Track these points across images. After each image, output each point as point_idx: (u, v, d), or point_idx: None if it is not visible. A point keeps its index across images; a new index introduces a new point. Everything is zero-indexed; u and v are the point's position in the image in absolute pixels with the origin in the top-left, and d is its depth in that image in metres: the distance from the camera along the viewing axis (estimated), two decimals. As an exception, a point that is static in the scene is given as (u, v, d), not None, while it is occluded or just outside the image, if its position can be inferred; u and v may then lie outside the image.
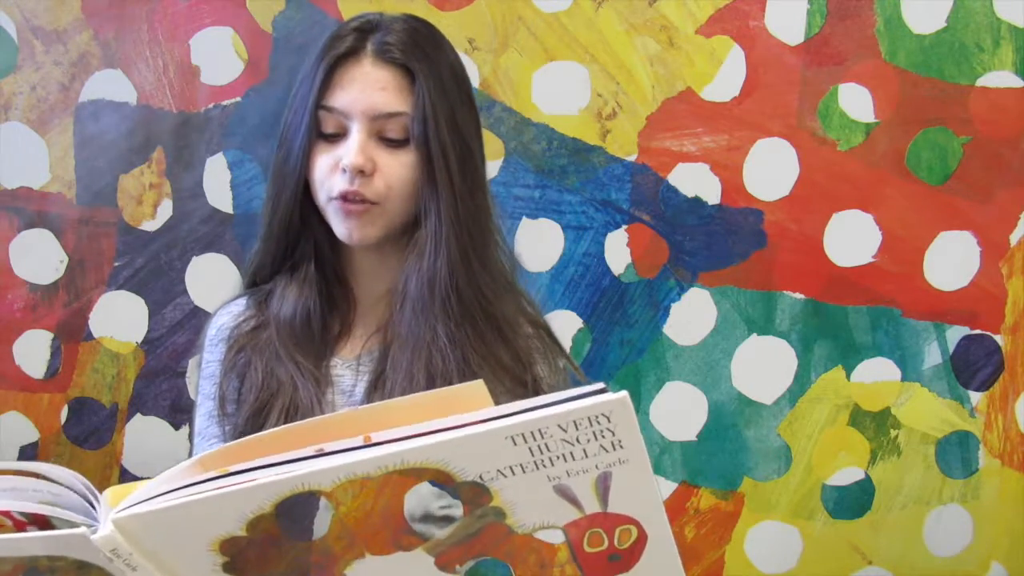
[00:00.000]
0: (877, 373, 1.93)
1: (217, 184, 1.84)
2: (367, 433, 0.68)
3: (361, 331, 1.14)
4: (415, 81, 1.06)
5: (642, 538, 0.71)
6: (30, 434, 1.85)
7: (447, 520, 0.69)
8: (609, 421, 0.66)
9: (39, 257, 1.83)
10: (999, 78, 1.90)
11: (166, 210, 1.84)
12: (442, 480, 0.67)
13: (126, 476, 1.86)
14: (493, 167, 1.85)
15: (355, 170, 1.04)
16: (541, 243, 1.87)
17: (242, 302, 1.17)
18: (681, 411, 1.92)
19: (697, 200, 1.89)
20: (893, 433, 1.94)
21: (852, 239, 1.91)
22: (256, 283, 1.17)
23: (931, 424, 1.95)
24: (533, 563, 0.72)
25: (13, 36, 1.81)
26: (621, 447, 0.67)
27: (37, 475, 0.72)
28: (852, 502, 1.95)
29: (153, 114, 1.83)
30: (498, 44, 1.85)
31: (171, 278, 1.85)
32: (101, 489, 0.72)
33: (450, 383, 1.06)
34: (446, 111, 1.07)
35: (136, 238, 1.84)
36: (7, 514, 0.69)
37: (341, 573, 0.70)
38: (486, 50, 1.84)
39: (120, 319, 1.85)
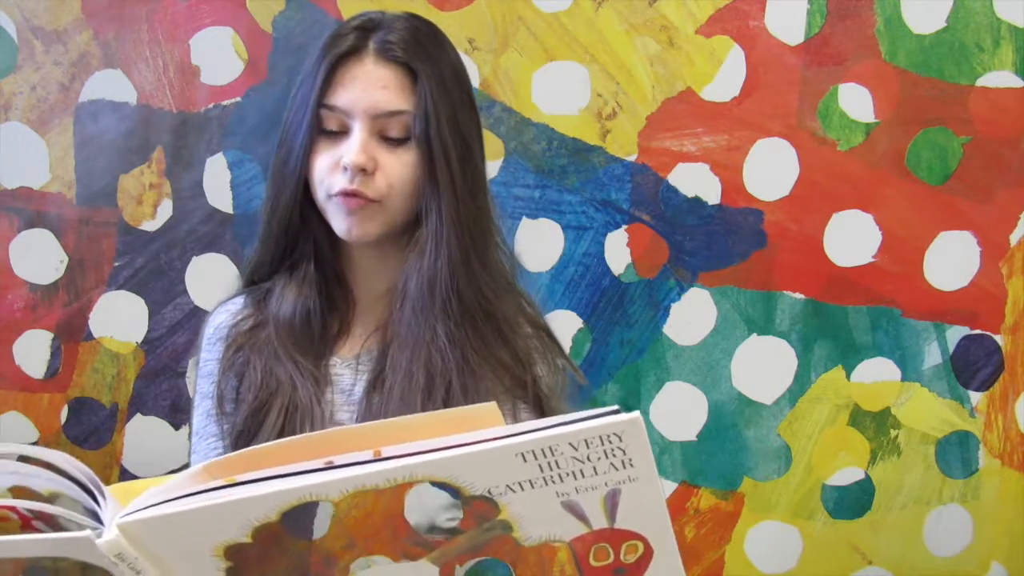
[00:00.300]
0: (877, 373, 1.93)
1: (217, 184, 1.84)
2: (377, 448, 0.68)
3: (360, 330, 1.14)
4: (417, 80, 1.06)
5: (648, 553, 0.71)
6: (30, 434, 1.85)
7: (453, 532, 0.69)
8: (621, 440, 0.66)
9: (39, 257, 1.83)
10: (999, 78, 1.90)
11: (166, 210, 1.84)
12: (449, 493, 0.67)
13: (126, 476, 1.86)
14: (493, 167, 1.85)
15: (357, 168, 1.04)
16: (541, 243, 1.87)
17: (240, 300, 1.17)
18: (681, 411, 1.92)
19: (697, 200, 1.89)
20: (893, 433, 1.94)
21: (852, 239, 1.91)
22: (254, 281, 1.17)
23: (931, 424, 1.95)
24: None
25: (13, 36, 1.81)
26: (631, 465, 0.67)
27: (46, 464, 0.72)
28: (852, 502, 1.95)
29: (153, 114, 1.83)
30: (498, 44, 1.85)
31: (171, 278, 1.85)
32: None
33: (449, 383, 1.06)
34: (448, 110, 1.07)
35: (136, 238, 1.84)
36: (13, 509, 0.69)
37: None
38: (486, 50, 1.84)
39: (120, 319, 1.85)
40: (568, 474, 0.67)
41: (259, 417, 1.08)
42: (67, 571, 0.68)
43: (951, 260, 1.93)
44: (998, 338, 1.95)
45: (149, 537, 0.67)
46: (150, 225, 1.84)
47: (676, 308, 1.90)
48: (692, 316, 1.90)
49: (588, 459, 0.66)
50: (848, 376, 1.93)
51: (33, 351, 1.85)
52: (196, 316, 1.84)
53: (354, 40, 1.07)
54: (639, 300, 1.90)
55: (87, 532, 0.67)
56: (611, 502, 0.68)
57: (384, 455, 0.67)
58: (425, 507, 0.67)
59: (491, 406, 0.72)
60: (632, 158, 1.88)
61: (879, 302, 1.93)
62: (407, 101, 1.06)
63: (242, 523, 0.67)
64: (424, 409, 1.04)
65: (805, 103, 1.89)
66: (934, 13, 1.88)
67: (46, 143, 1.82)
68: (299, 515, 0.67)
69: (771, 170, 1.90)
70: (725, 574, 1.95)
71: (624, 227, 1.89)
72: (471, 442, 0.66)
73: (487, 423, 0.71)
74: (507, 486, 0.67)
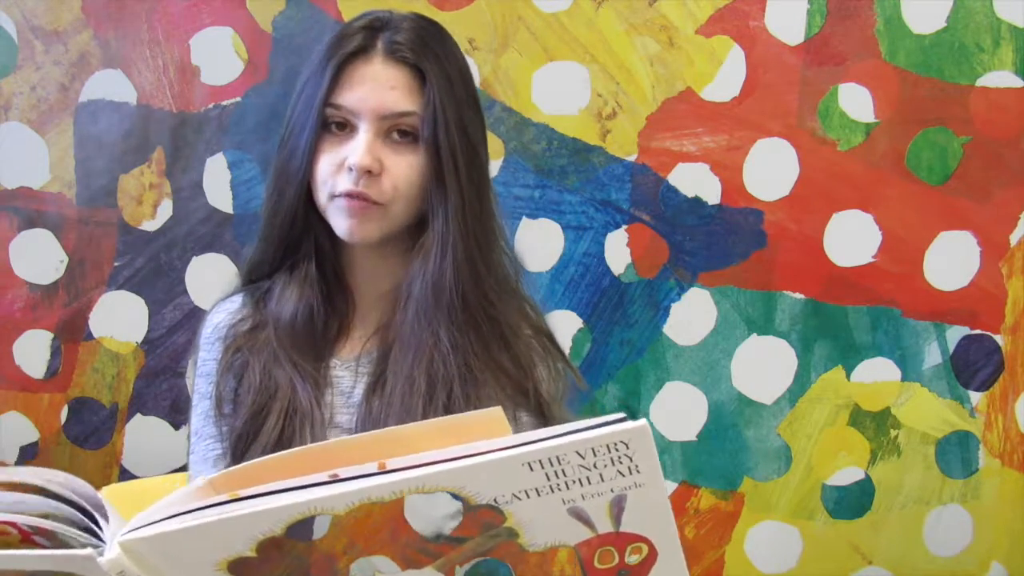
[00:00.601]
0: (877, 373, 1.93)
1: (217, 184, 1.84)
2: (382, 459, 0.67)
3: (360, 332, 1.14)
4: (425, 81, 1.05)
5: (652, 555, 0.71)
6: (30, 434, 1.85)
7: (458, 539, 0.69)
8: (628, 448, 0.66)
9: (39, 257, 1.83)
10: (999, 78, 1.90)
11: (166, 210, 1.84)
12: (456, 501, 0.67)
13: (126, 476, 1.86)
14: (493, 167, 1.84)
15: (362, 170, 1.03)
16: (541, 243, 1.87)
17: (238, 299, 1.16)
18: (681, 411, 1.92)
19: (697, 200, 1.89)
20: (893, 433, 1.95)
21: (852, 239, 1.91)
22: (253, 280, 1.16)
23: (931, 424, 1.95)
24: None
25: (13, 36, 1.81)
26: (638, 472, 0.67)
27: (40, 489, 0.71)
28: (852, 502, 1.95)
29: (153, 114, 1.83)
30: (498, 44, 1.85)
31: (171, 278, 1.85)
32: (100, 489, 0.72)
33: (451, 388, 1.05)
34: (455, 112, 1.06)
35: (136, 238, 1.84)
36: (13, 524, 0.69)
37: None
38: (486, 50, 1.84)
39: (120, 319, 1.85)
40: (574, 481, 0.67)
41: (258, 420, 1.07)
42: None
43: (951, 260, 1.93)
44: (998, 338, 1.95)
45: (152, 554, 0.67)
46: (150, 225, 1.84)
47: (676, 308, 1.90)
48: (692, 316, 1.90)
49: (595, 467, 0.66)
50: (848, 376, 1.93)
51: (33, 351, 1.84)
52: (196, 316, 1.84)
53: (362, 39, 1.06)
54: (639, 300, 1.90)
55: (89, 550, 0.66)
56: (617, 507, 0.68)
57: (389, 467, 0.66)
58: (430, 516, 0.67)
59: (496, 411, 0.72)
60: (632, 158, 1.88)
61: (879, 302, 1.93)
62: (415, 102, 1.05)
63: (247, 538, 0.66)
64: (425, 414, 1.04)
65: (805, 103, 1.89)
66: (934, 13, 1.88)
67: (46, 143, 1.82)
68: (301, 526, 0.66)
69: (771, 170, 1.90)
70: (725, 574, 1.95)
71: (624, 227, 1.89)
72: (477, 452, 0.66)
73: (493, 430, 0.71)
74: (513, 494, 0.67)
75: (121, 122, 1.83)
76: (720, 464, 1.93)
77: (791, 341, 1.92)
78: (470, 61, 1.82)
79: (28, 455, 1.85)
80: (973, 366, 1.95)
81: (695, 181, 1.89)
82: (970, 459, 1.96)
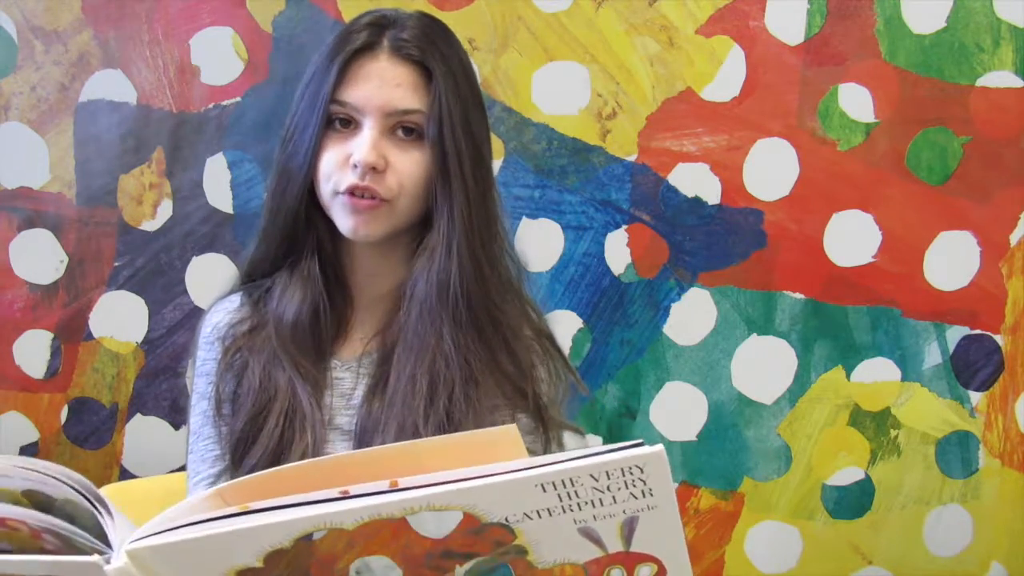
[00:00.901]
0: (877, 373, 1.93)
1: (217, 184, 1.84)
2: (393, 475, 0.67)
3: (360, 333, 1.13)
4: (431, 79, 1.05)
5: (661, 573, 0.71)
6: (30, 434, 1.85)
7: (468, 556, 0.69)
8: (643, 472, 0.66)
9: (39, 257, 1.83)
10: (999, 78, 1.90)
11: (166, 210, 1.84)
12: (467, 519, 0.67)
13: (126, 476, 1.86)
14: (494, 167, 1.85)
15: (368, 166, 1.03)
16: (541, 243, 1.87)
17: (236, 299, 1.16)
18: (681, 411, 1.92)
19: (697, 200, 1.89)
20: (893, 433, 1.94)
21: (852, 239, 1.91)
22: (252, 278, 1.16)
23: (931, 424, 1.95)
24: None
25: (13, 36, 1.81)
26: (651, 495, 0.67)
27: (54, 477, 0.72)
28: (852, 502, 1.95)
29: (153, 114, 1.83)
30: (498, 44, 1.85)
31: (171, 278, 1.85)
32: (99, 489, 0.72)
33: (452, 389, 1.05)
34: (460, 111, 1.06)
35: (136, 238, 1.84)
36: (23, 522, 0.69)
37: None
38: (486, 50, 1.84)
39: (120, 319, 1.85)
40: (587, 503, 0.67)
41: (258, 422, 1.07)
42: None
43: (951, 260, 1.93)
44: (998, 338, 1.95)
45: (159, 563, 0.67)
46: (150, 225, 1.84)
47: (676, 308, 1.90)
48: (692, 316, 1.90)
49: (608, 489, 0.66)
50: (848, 376, 1.93)
51: (33, 351, 1.84)
52: (196, 316, 1.83)
53: (368, 36, 1.06)
54: (639, 300, 1.90)
55: (96, 557, 0.66)
56: (628, 528, 0.68)
57: (401, 486, 0.66)
58: (439, 531, 0.67)
59: (511, 429, 0.72)
60: (632, 158, 1.88)
61: (879, 302, 1.93)
62: (420, 100, 1.05)
63: (255, 550, 0.66)
64: (426, 415, 1.03)
65: (805, 103, 1.89)
66: (934, 13, 1.88)
67: (46, 143, 1.82)
68: (300, 550, 0.67)
69: (771, 170, 1.89)
70: (725, 574, 1.95)
71: (624, 227, 1.89)
72: (490, 473, 0.66)
73: (506, 447, 0.71)
74: (525, 514, 0.67)
75: (121, 122, 1.82)
76: (720, 464, 1.93)
77: (791, 341, 1.92)
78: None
79: (28, 455, 1.85)
80: (973, 366, 1.95)
81: (695, 181, 1.89)
82: (970, 459, 1.96)
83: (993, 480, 1.96)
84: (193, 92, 1.83)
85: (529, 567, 0.69)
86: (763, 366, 1.92)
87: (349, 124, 1.06)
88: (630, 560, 0.70)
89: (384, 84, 1.05)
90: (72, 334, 1.84)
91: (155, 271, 1.85)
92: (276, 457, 1.04)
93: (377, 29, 1.07)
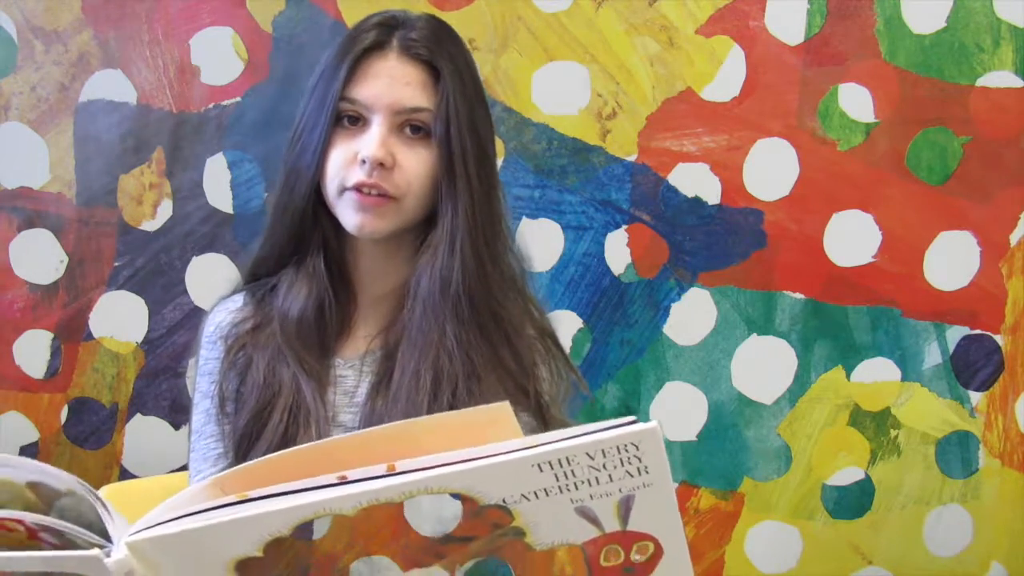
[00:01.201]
0: (877, 373, 1.93)
1: (217, 184, 1.84)
2: (390, 458, 0.67)
3: (363, 331, 1.14)
4: (439, 79, 1.07)
5: (658, 553, 0.71)
6: (30, 434, 1.85)
7: (466, 539, 0.69)
8: (638, 449, 0.66)
9: (39, 257, 1.83)
10: (999, 78, 1.90)
11: (166, 210, 1.84)
12: (464, 502, 0.67)
13: (126, 476, 1.86)
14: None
15: (376, 162, 1.04)
16: (541, 243, 1.87)
17: (239, 299, 1.16)
18: (681, 411, 1.92)
19: (697, 200, 1.89)
20: (893, 433, 1.95)
21: (852, 239, 1.91)
22: (257, 276, 1.16)
23: (931, 424, 1.95)
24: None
25: (13, 36, 1.81)
26: (647, 472, 0.67)
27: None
28: (852, 502, 1.95)
29: (153, 114, 1.83)
30: (498, 44, 1.85)
31: (171, 278, 1.85)
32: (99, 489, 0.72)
33: (455, 385, 1.05)
34: (467, 110, 1.07)
35: (136, 238, 1.84)
36: (20, 521, 0.69)
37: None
38: (486, 50, 1.84)
39: (120, 319, 1.85)
40: (583, 482, 0.67)
41: (262, 418, 1.07)
42: None
43: (951, 260, 1.93)
44: (998, 338, 1.95)
45: (160, 554, 0.67)
46: (150, 225, 1.84)
47: (676, 308, 1.90)
48: (692, 316, 1.90)
49: (604, 467, 0.66)
50: (848, 376, 1.93)
51: (33, 351, 1.84)
52: (196, 316, 1.84)
53: (377, 36, 1.08)
54: (639, 300, 1.90)
55: (96, 551, 0.66)
56: (624, 507, 0.69)
57: (398, 470, 0.66)
58: (437, 516, 0.67)
59: (504, 406, 0.72)
60: (632, 158, 1.88)
61: (879, 302, 1.93)
62: (428, 99, 1.06)
63: (255, 539, 0.66)
64: (430, 412, 1.04)
65: (805, 103, 1.89)
66: (934, 13, 1.88)
67: (46, 143, 1.82)
68: (306, 525, 0.66)
69: (771, 170, 1.90)
70: (725, 574, 1.95)
71: (624, 227, 1.89)
72: (487, 455, 0.66)
73: (500, 424, 0.71)
74: (522, 495, 0.67)
75: (121, 122, 1.82)
76: (720, 464, 1.93)
77: (791, 341, 1.92)
78: (470, 61, 1.82)
79: (28, 455, 1.85)
80: (973, 366, 1.95)
81: (695, 181, 1.89)
82: (970, 459, 1.96)
83: (993, 480, 1.96)
84: (193, 92, 1.83)
85: (527, 549, 0.70)
86: (763, 366, 1.92)
87: (357, 122, 1.07)
88: (627, 539, 0.70)
89: (393, 82, 1.06)
90: (72, 334, 1.84)
91: (155, 271, 1.85)
92: None
93: (387, 29, 1.08)
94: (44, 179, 1.83)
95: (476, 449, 0.67)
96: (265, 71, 1.83)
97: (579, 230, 1.89)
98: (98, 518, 0.70)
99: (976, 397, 1.95)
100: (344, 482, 0.66)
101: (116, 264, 1.84)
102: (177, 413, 1.86)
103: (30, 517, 0.68)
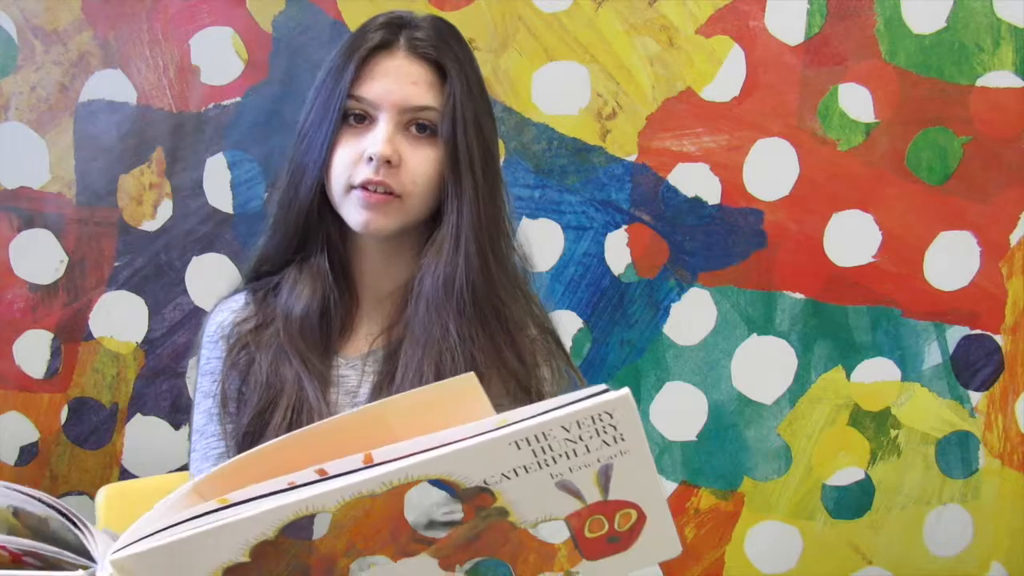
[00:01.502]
0: (877, 373, 1.93)
1: (217, 184, 1.84)
2: (364, 445, 0.67)
3: (365, 330, 1.14)
4: (446, 78, 1.08)
5: (641, 519, 0.72)
6: (30, 434, 1.85)
7: (451, 524, 0.69)
8: (612, 418, 0.66)
9: (39, 257, 1.83)
10: (999, 78, 1.90)
11: (166, 210, 1.84)
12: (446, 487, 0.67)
13: (126, 476, 1.86)
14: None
15: (383, 159, 1.04)
16: (541, 243, 1.87)
17: (240, 298, 1.16)
18: (681, 411, 1.92)
19: (697, 200, 1.89)
20: (893, 433, 1.95)
21: (852, 239, 1.91)
22: (260, 274, 1.16)
23: (931, 424, 1.95)
24: (533, 562, 0.72)
25: (13, 36, 1.81)
26: (623, 440, 0.68)
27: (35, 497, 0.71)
28: (852, 502, 1.95)
29: (153, 114, 1.83)
30: (498, 44, 1.85)
31: (171, 278, 1.85)
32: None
33: None
34: (472, 110, 1.08)
35: (136, 238, 1.84)
36: (3, 547, 0.68)
37: (342, 572, 0.70)
38: (486, 50, 1.84)
39: (120, 319, 1.85)
40: (561, 455, 0.67)
41: (264, 417, 1.07)
42: None
43: (951, 260, 1.93)
44: (998, 338, 1.95)
45: (144, 570, 0.66)
46: (150, 225, 1.84)
47: (676, 308, 1.90)
48: (692, 316, 1.91)
49: (580, 439, 0.67)
50: (848, 376, 1.93)
51: (33, 351, 1.84)
52: (196, 316, 1.84)
53: (384, 35, 1.09)
54: (639, 300, 1.90)
55: (79, 572, 0.66)
56: (604, 476, 0.69)
57: (376, 460, 0.66)
58: (423, 504, 0.67)
59: (470, 377, 0.73)
60: (632, 158, 1.88)
61: (879, 302, 1.93)
62: (434, 98, 1.07)
63: (240, 544, 0.66)
64: None
65: (805, 103, 1.89)
66: (934, 13, 1.89)
67: (46, 143, 1.82)
68: (297, 526, 0.66)
69: (771, 170, 1.90)
70: (725, 574, 1.95)
71: (624, 227, 1.89)
72: (463, 437, 0.66)
73: (468, 398, 0.72)
74: (502, 474, 0.67)
75: (121, 122, 1.83)
76: (720, 464, 1.93)
77: (791, 341, 1.92)
78: (470, 61, 1.82)
79: (28, 455, 1.85)
80: (973, 366, 1.95)
81: (695, 181, 1.89)
82: (970, 459, 1.96)
83: (993, 480, 1.96)
84: (193, 92, 1.83)
85: (512, 528, 0.70)
86: (763, 366, 1.92)
87: (364, 120, 1.07)
88: (609, 509, 0.71)
89: (400, 81, 1.07)
90: (72, 334, 1.84)
91: (155, 271, 1.85)
92: None
93: (393, 28, 1.09)
94: (44, 179, 1.83)
95: (452, 431, 0.67)
96: (265, 71, 1.83)
97: (579, 230, 1.89)
98: (80, 542, 0.70)
99: (976, 397, 1.95)
100: (324, 478, 0.66)
101: (116, 264, 1.84)
102: (177, 413, 1.86)
103: (13, 543, 0.68)
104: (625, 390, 0.66)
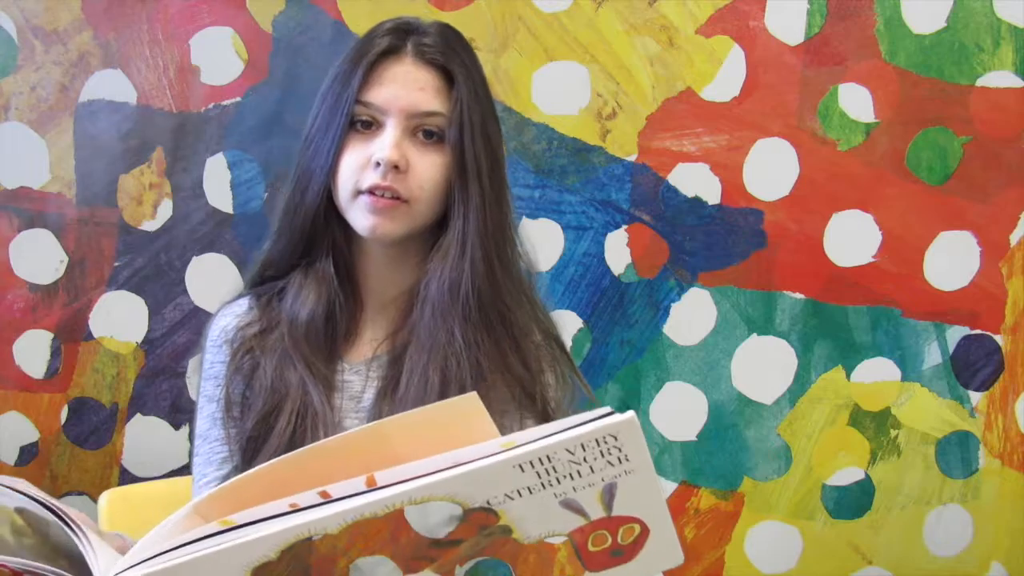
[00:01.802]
0: (877, 373, 1.93)
1: (217, 184, 1.84)
2: (366, 466, 0.67)
3: (370, 335, 1.14)
4: (453, 84, 1.08)
5: (644, 533, 0.72)
6: (30, 434, 1.85)
7: (454, 542, 0.69)
8: (616, 440, 0.67)
9: (39, 257, 1.83)
10: (999, 78, 1.90)
11: (166, 210, 1.84)
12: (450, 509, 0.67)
13: (126, 476, 1.86)
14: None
15: (390, 164, 1.04)
16: (541, 243, 1.87)
17: (244, 303, 1.16)
18: (681, 411, 1.92)
19: (697, 200, 1.89)
20: (893, 433, 1.95)
21: (852, 239, 1.91)
22: (265, 279, 1.16)
23: (931, 424, 1.95)
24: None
25: (13, 36, 1.81)
26: (627, 460, 0.68)
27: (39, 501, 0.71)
28: (852, 502, 1.95)
29: (153, 114, 1.83)
30: (498, 44, 1.85)
31: (171, 278, 1.85)
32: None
33: (463, 388, 1.05)
34: (479, 116, 1.09)
35: (136, 238, 1.84)
36: (3, 565, 0.68)
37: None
38: (486, 50, 1.84)
39: (120, 319, 1.85)
40: (566, 476, 0.67)
41: (269, 422, 1.07)
42: None
43: (951, 260, 1.93)
44: (998, 338, 1.95)
45: None
46: (150, 225, 1.84)
47: (676, 308, 1.90)
48: (692, 316, 1.91)
49: (584, 460, 0.67)
50: (848, 376, 1.93)
51: (33, 351, 1.84)
52: (196, 316, 1.84)
53: (392, 40, 1.09)
54: (639, 300, 1.90)
55: None
56: (608, 495, 0.69)
57: (379, 483, 0.66)
58: (424, 523, 0.67)
59: (472, 397, 0.73)
60: (632, 158, 1.88)
61: (879, 302, 1.93)
62: (442, 104, 1.08)
63: (242, 566, 0.66)
64: None
65: (805, 103, 1.89)
66: (934, 13, 1.89)
67: (46, 143, 1.82)
68: (299, 547, 0.66)
69: (771, 170, 1.90)
70: (725, 574, 1.95)
71: (624, 227, 1.89)
72: (467, 460, 0.66)
73: (471, 418, 0.72)
74: (506, 495, 0.67)
75: (121, 122, 1.82)
76: (720, 464, 1.93)
77: (791, 341, 1.92)
78: (470, 61, 1.82)
79: (28, 455, 1.85)
80: (973, 366, 1.95)
81: (695, 181, 1.89)
82: (970, 459, 1.96)
83: (993, 480, 1.96)
84: (193, 92, 1.83)
85: (516, 544, 0.70)
86: (763, 366, 1.92)
87: (371, 126, 1.08)
88: (613, 524, 0.71)
89: (408, 86, 1.07)
90: (72, 334, 1.84)
91: (155, 271, 1.85)
92: None
93: (401, 34, 1.09)
94: (44, 179, 1.83)
95: (455, 454, 0.67)
96: (265, 71, 1.83)
97: (579, 230, 1.89)
98: (79, 553, 0.69)
99: (976, 397, 1.95)
100: (327, 500, 0.66)
101: (116, 264, 1.84)
102: (177, 413, 1.86)
103: (12, 562, 0.68)
104: (630, 413, 0.67)
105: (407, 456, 0.68)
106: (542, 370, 1.12)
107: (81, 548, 0.70)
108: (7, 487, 0.72)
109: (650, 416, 1.91)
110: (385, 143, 1.05)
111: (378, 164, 1.04)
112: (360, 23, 1.80)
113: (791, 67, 1.88)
